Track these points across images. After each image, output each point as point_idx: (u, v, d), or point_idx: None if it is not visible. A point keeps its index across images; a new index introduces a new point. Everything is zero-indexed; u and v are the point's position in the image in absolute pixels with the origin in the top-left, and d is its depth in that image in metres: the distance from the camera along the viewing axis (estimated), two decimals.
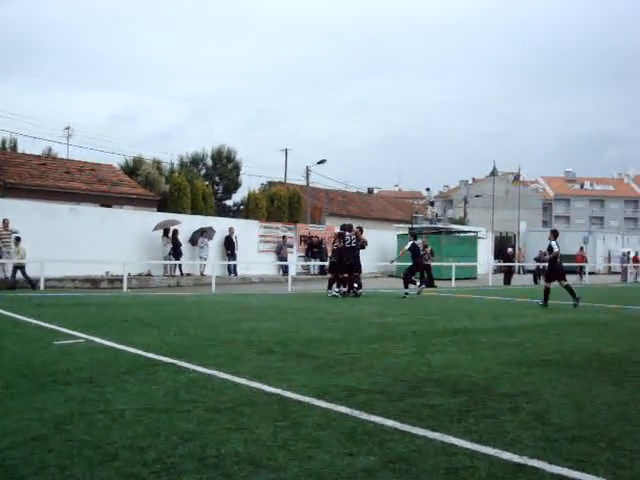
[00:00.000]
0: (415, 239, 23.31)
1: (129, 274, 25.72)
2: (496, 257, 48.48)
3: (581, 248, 45.75)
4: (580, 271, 41.47)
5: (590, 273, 41.93)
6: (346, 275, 21.35)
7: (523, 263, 47.53)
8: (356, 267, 21.64)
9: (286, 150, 59.35)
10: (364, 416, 5.73)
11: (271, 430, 5.28)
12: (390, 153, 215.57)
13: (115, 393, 6.50)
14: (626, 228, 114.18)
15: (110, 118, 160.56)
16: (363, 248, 22.25)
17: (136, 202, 38.57)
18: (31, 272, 23.68)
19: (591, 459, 4.71)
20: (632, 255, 44.36)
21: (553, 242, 19.41)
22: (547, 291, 18.90)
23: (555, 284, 19.19)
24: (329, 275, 22.33)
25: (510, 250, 43.15)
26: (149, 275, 29.45)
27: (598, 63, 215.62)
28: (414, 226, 46.02)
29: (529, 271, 43.24)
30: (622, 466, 4.58)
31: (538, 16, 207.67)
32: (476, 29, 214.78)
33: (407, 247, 22.97)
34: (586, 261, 43.76)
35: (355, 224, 23.84)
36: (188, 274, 31.09)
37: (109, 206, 34.92)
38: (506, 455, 4.75)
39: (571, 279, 38.36)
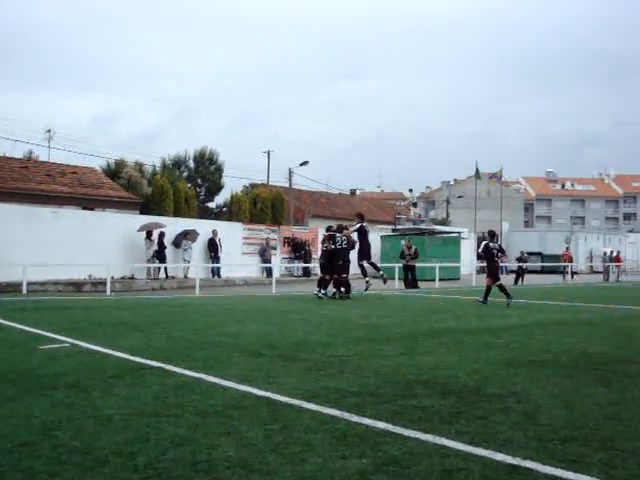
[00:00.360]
0: (362, 221, 22.64)
1: (112, 277, 25.58)
2: (479, 257, 48.59)
3: (567, 248, 46.02)
4: (564, 271, 41.68)
5: (572, 273, 42.16)
6: (336, 276, 21.25)
7: (506, 263, 47.67)
8: (345, 269, 21.51)
9: (268, 152, 59.33)
10: (355, 418, 5.70)
11: (262, 434, 5.25)
12: (372, 154, 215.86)
13: (103, 398, 6.43)
14: (607, 228, 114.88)
15: (91, 120, 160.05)
16: (353, 248, 22.11)
17: (118, 205, 38.41)
18: (13, 276, 23.51)
19: (584, 459, 4.71)
20: (614, 255, 44.59)
21: (484, 242, 20.38)
22: (502, 288, 19.45)
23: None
24: (319, 275, 22.29)
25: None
26: (132, 278, 29.31)
27: (578, 65, 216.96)
28: (397, 227, 46.10)
29: (512, 271, 43.37)
30: (615, 466, 4.58)
31: (520, 18, 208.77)
32: (457, 30, 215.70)
33: (354, 228, 22.50)
34: (572, 260, 43.99)
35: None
36: (172, 277, 30.97)
37: (91, 209, 34.72)
38: (499, 456, 4.74)
39: (555, 279, 38.65)
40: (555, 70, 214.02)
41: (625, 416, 5.96)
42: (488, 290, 19.54)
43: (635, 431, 5.44)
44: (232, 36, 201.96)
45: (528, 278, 38.47)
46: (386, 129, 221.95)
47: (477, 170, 66.14)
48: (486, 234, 21.58)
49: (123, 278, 28.74)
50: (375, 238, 41.96)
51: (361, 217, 23.02)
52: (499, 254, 20.27)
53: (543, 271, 49.58)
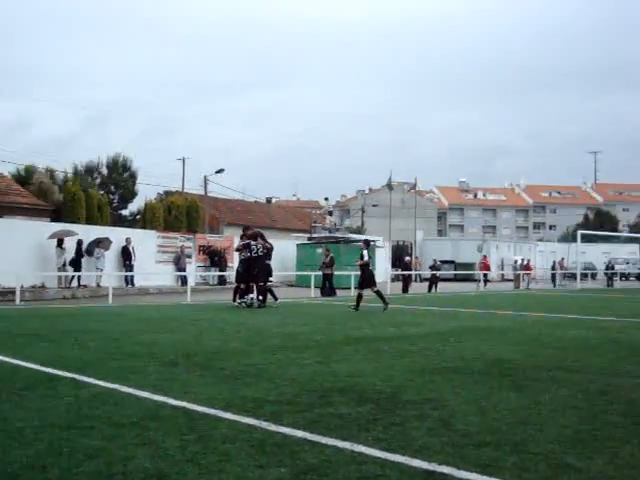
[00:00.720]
0: (245, 231, 22.24)
1: (22, 286, 24.92)
2: (394, 265, 49.19)
3: (485, 256, 46.93)
4: (478, 278, 42.43)
5: (485, 280, 43.03)
6: (253, 285, 21.10)
7: (420, 271, 48.39)
8: (264, 276, 21.40)
9: (183, 159, 58.93)
10: (273, 427, 5.68)
11: (178, 444, 5.18)
12: (288, 162, 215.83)
13: (13, 410, 6.25)
14: (517, 236, 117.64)
15: (0, 126, 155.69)
16: (269, 256, 21.90)
17: (29, 212, 37.47)
18: None
19: (498, 463, 4.79)
20: (524, 263, 45.66)
21: (364, 252, 20.72)
22: (360, 297, 19.92)
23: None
24: (235, 285, 22.13)
25: (408, 258, 43.88)
26: (43, 287, 28.65)
27: (490, 77, 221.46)
28: (313, 235, 46.30)
29: (426, 279, 44.03)
30: (527, 469, 4.68)
31: (433, 30, 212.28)
32: (373, 40, 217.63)
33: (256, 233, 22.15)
34: (489, 268, 44.91)
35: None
36: (84, 285, 30.39)
37: (0, 216, 33.80)
38: (416, 462, 4.78)
39: (468, 287, 39.37)
40: (467, 82, 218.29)
41: (536, 420, 6.09)
42: (379, 294, 20.01)
43: (546, 435, 5.57)
44: (147, 42, 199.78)
45: (442, 286, 39.06)
46: (302, 137, 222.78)
47: (390, 181, 66.80)
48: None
49: (33, 287, 28.06)
50: (291, 246, 42.17)
51: (249, 227, 22.84)
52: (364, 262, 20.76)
53: (456, 279, 50.45)
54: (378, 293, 20.23)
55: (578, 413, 6.41)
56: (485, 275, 43.22)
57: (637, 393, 7.42)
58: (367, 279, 20.46)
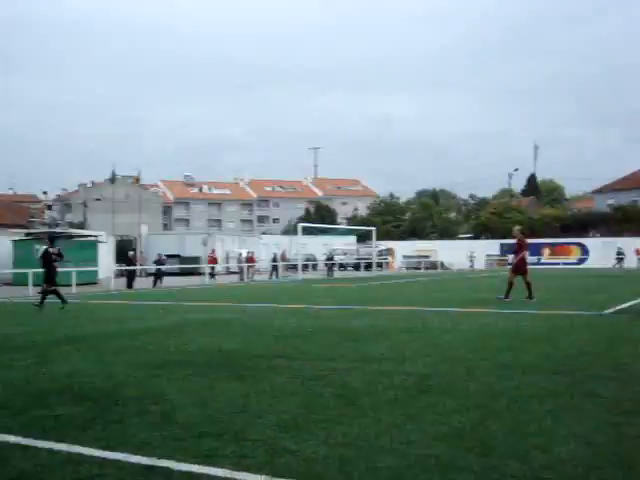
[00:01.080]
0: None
1: None
2: (118, 261, 48.20)
3: (213, 250, 47.17)
4: (208, 272, 42.71)
5: (212, 274, 43.51)
6: None
7: (145, 266, 47.86)
8: None
9: None
10: None
11: None
12: (3, 154, 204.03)
13: None
14: (243, 230, 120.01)
15: None
16: None
17: None
18: None
19: (217, 452, 4.89)
20: (249, 255, 46.56)
21: (43, 248, 20.66)
22: (57, 292, 19.86)
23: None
24: None
25: (131, 253, 43.16)
26: None
27: (214, 71, 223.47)
28: (31, 231, 44.24)
29: (150, 274, 43.59)
30: (246, 456, 4.81)
31: (155, 22, 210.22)
32: (96, 31, 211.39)
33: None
34: (217, 262, 45.25)
35: None
36: None
37: None
38: (135, 458, 4.76)
39: (194, 281, 39.53)
40: (194, 76, 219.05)
41: (256, 408, 6.26)
42: (55, 292, 19.85)
43: (265, 421, 5.74)
44: None
45: (167, 280, 38.87)
46: (19, 128, 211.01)
47: (113, 174, 65.53)
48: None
49: None
50: (6, 243, 39.99)
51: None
52: (57, 258, 20.59)
53: (182, 273, 50.44)
54: (54, 292, 19.93)
55: (295, 398, 6.67)
56: (212, 268, 43.62)
57: (350, 376, 7.84)
58: (51, 275, 20.16)
